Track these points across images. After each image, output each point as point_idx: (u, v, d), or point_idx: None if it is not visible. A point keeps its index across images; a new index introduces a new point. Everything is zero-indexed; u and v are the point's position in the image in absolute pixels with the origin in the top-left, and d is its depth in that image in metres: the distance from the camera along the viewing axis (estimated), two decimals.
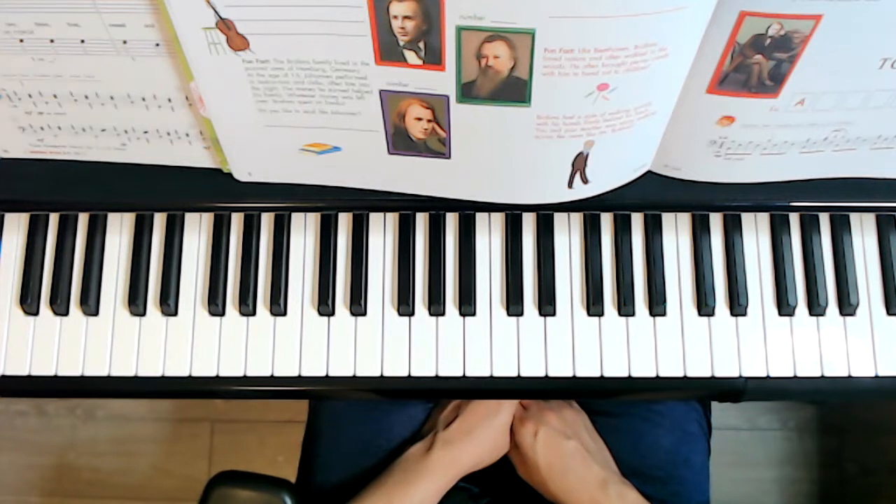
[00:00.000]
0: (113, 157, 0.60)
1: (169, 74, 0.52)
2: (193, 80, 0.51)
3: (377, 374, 0.65)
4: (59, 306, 0.66)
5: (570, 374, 0.64)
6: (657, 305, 0.65)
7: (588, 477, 0.69)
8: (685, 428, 0.78)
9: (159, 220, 0.67)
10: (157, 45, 0.50)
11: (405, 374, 0.65)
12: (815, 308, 0.65)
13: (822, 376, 0.65)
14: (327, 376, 0.65)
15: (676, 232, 0.67)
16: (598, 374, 0.64)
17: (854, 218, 0.67)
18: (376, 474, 0.73)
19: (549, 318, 0.65)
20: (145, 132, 0.58)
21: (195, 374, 0.65)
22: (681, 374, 0.64)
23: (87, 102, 0.55)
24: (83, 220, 0.68)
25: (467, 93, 0.49)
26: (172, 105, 0.54)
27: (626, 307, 0.65)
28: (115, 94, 0.54)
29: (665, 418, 0.77)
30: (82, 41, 0.50)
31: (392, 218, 0.67)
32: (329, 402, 0.79)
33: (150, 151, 0.60)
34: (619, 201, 0.61)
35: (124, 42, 0.50)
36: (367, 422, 0.77)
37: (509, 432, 0.74)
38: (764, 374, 0.64)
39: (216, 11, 0.45)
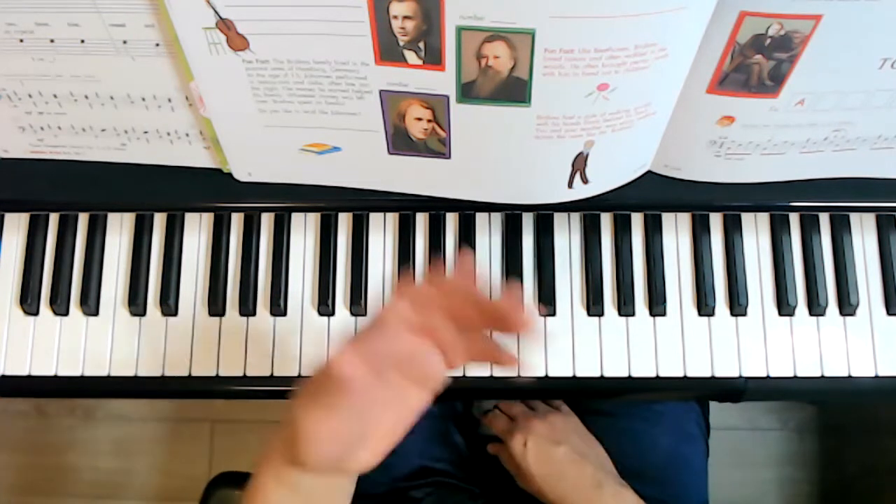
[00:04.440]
0: (113, 157, 0.60)
1: (169, 74, 0.52)
2: (193, 80, 0.51)
3: None
4: (59, 306, 0.66)
5: (570, 374, 0.64)
6: (657, 305, 0.65)
7: (582, 480, 0.69)
8: (684, 428, 0.78)
9: (159, 220, 0.67)
10: (157, 45, 0.50)
11: None
12: (815, 308, 0.65)
13: (822, 376, 0.65)
14: None
15: (676, 232, 0.67)
16: (598, 374, 0.64)
17: (854, 218, 0.67)
18: (374, 474, 0.73)
19: (549, 318, 0.65)
20: (145, 132, 0.58)
21: (195, 374, 0.65)
22: (681, 374, 0.64)
23: (87, 102, 0.55)
24: (83, 220, 0.68)
25: (467, 93, 0.49)
26: (172, 105, 0.54)
27: (626, 307, 0.65)
28: (115, 94, 0.54)
29: (664, 419, 0.77)
30: (82, 41, 0.50)
31: (392, 218, 0.67)
32: None
33: (150, 151, 0.60)
34: (619, 201, 0.61)
35: (124, 42, 0.50)
36: None
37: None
38: (764, 374, 0.64)
39: (216, 11, 0.45)
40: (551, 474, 0.70)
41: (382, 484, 0.76)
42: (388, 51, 0.47)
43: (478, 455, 0.83)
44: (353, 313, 0.66)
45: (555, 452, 0.70)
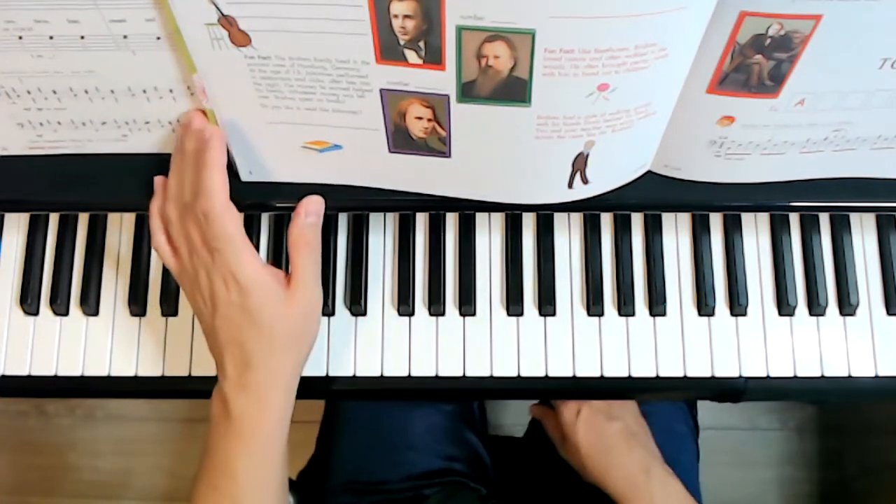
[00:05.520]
0: (114, 148, 0.60)
1: (170, 67, 0.52)
2: (196, 73, 0.51)
3: (377, 374, 0.65)
4: (59, 306, 0.66)
5: (570, 374, 0.64)
6: (657, 305, 0.65)
7: (630, 461, 0.67)
8: (672, 428, 0.78)
9: None
10: (158, 38, 0.50)
11: (405, 374, 0.65)
12: (815, 308, 0.65)
13: (822, 376, 0.65)
14: (327, 376, 0.65)
15: (676, 232, 0.67)
16: (598, 374, 0.64)
17: (854, 218, 0.67)
18: (391, 470, 0.73)
19: (549, 318, 0.65)
20: (147, 122, 0.58)
21: (195, 374, 0.65)
22: (681, 374, 0.64)
23: (87, 97, 0.55)
24: (83, 220, 0.68)
25: (467, 92, 0.49)
26: (174, 95, 0.54)
27: (626, 307, 0.65)
28: (116, 87, 0.54)
29: (650, 418, 0.77)
30: (82, 37, 0.50)
31: (392, 218, 0.67)
32: (345, 400, 0.79)
33: (152, 141, 0.60)
34: (619, 201, 0.61)
35: (125, 37, 0.50)
36: (384, 419, 0.78)
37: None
38: (764, 374, 0.64)
39: (218, 8, 0.45)
40: (600, 449, 0.68)
41: (399, 481, 0.76)
42: (389, 50, 0.47)
43: (491, 455, 0.83)
44: (353, 313, 0.66)
45: (608, 427, 0.69)
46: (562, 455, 0.73)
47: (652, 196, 0.61)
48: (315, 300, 0.56)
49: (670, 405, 0.79)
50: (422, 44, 0.46)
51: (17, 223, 0.68)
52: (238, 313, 0.53)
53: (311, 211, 0.57)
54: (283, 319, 0.53)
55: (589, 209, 0.63)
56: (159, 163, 0.59)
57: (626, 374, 0.64)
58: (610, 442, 0.68)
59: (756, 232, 0.67)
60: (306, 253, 0.55)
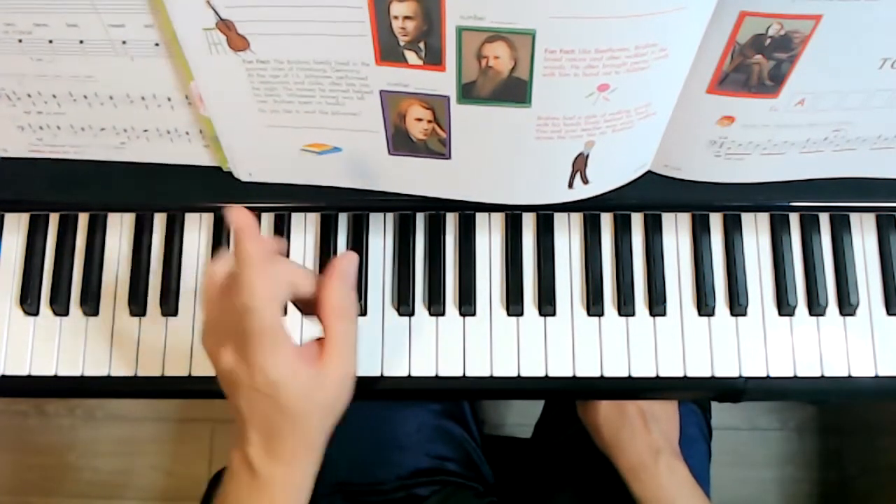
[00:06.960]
0: (112, 155, 0.60)
1: (168, 74, 0.52)
2: (193, 81, 0.51)
3: (377, 374, 0.65)
4: (59, 306, 0.66)
5: (570, 375, 0.64)
6: (657, 305, 0.65)
7: (642, 440, 0.68)
8: (683, 431, 0.78)
9: (159, 220, 0.67)
10: (157, 45, 0.50)
11: (405, 374, 0.65)
12: (815, 308, 0.65)
13: (822, 376, 0.65)
14: None
15: (676, 232, 0.67)
16: (598, 374, 0.64)
17: (854, 218, 0.67)
18: (380, 471, 0.73)
19: (549, 318, 0.65)
20: (145, 130, 0.58)
21: (195, 373, 0.65)
22: (681, 374, 0.64)
23: (86, 102, 0.55)
24: (83, 220, 0.68)
25: (468, 93, 0.49)
26: (172, 104, 0.54)
27: (626, 307, 0.65)
28: (115, 93, 0.54)
29: None
30: (81, 41, 0.50)
31: (392, 218, 0.67)
32: None
33: (149, 149, 0.60)
34: (619, 201, 0.61)
35: (123, 42, 0.50)
36: (372, 420, 0.78)
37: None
38: (764, 374, 0.64)
39: (216, 12, 0.45)
40: (617, 420, 0.68)
41: (390, 482, 0.76)
42: (389, 51, 0.47)
43: (492, 455, 0.83)
44: None
45: (631, 403, 0.69)
46: (579, 415, 0.73)
47: (652, 196, 0.61)
48: (350, 370, 0.52)
49: (683, 408, 0.79)
50: (422, 45, 0.46)
51: (17, 223, 0.68)
52: (264, 400, 0.48)
53: (348, 273, 0.52)
54: (315, 402, 0.50)
55: (589, 209, 0.63)
56: (158, 164, 0.59)
57: (626, 374, 0.64)
58: (629, 415, 0.69)
59: (756, 232, 0.67)
60: (346, 320, 0.51)
